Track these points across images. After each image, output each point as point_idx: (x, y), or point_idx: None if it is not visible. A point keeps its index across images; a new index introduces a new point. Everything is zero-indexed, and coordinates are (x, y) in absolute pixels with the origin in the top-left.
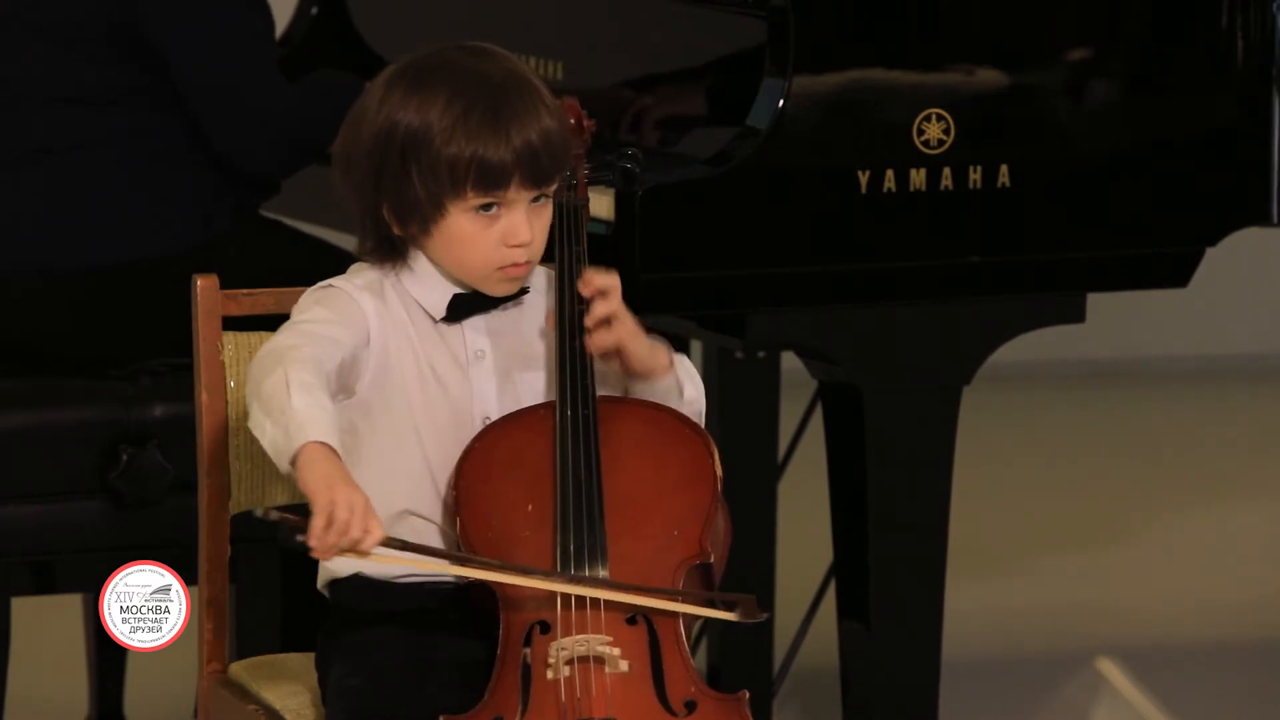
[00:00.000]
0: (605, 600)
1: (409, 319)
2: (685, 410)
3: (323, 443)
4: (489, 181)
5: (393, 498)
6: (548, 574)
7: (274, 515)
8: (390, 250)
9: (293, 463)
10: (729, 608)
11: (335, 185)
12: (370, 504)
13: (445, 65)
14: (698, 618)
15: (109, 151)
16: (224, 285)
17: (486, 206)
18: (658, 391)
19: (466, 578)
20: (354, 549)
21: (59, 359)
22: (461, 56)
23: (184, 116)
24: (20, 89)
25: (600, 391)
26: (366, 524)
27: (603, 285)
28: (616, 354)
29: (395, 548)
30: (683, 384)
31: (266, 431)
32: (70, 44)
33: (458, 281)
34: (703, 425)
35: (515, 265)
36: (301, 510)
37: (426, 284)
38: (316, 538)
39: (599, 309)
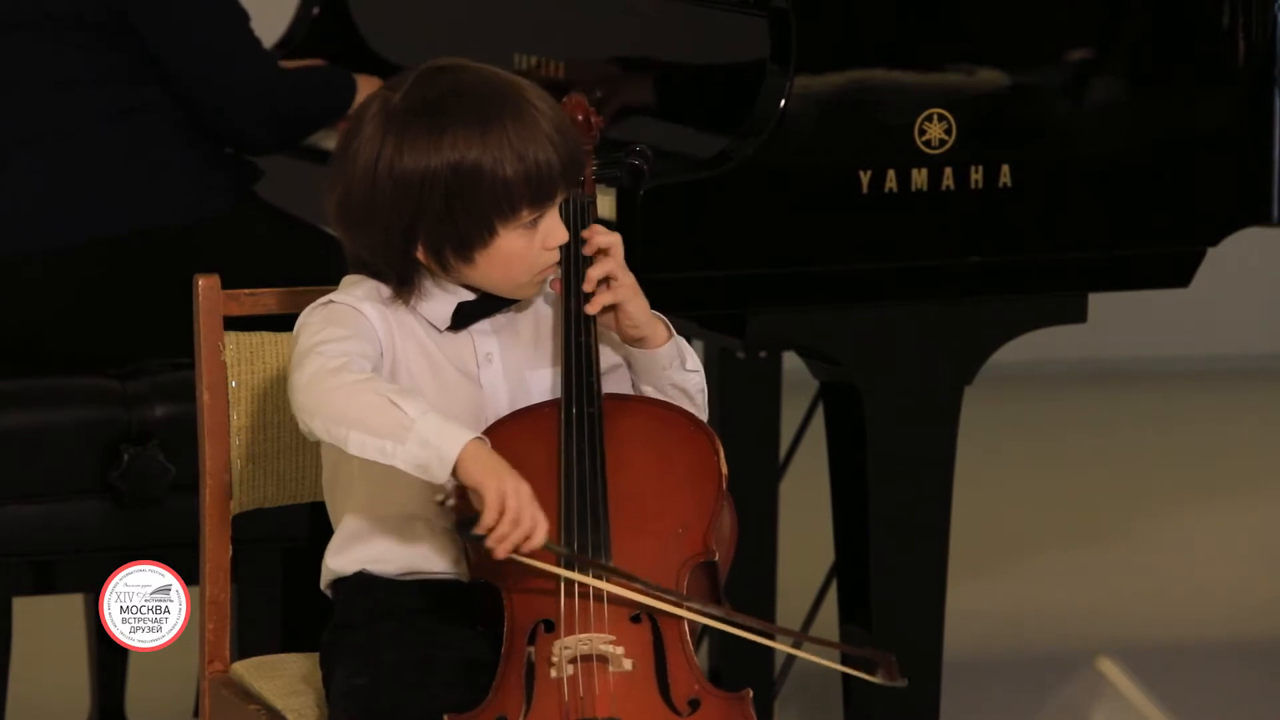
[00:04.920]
0: (609, 597)
1: (417, 325)
2: (690, 381)
3: (477, 438)
4: (543, 195)
5: (401, 500)
6: (705, 608)
7: (450, 503)
8: (408, 286)
9: (454, 468)
10: (870, 668)
11: (345, 242)
12: (534, 494)
13: (449, 95)
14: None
15: (105, 130)
16: (225, 266)
17: (535, 220)
18: (659, 361)
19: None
20: (527, 542)
21: (62, 352)
22: (452, 80)
23: (175, 91)
24: (11, 78)
25: (605, 386)
26: (535, 514)
27: (604, 244)
28: (615, 313)
29: (558, 550)
30: (684, 354)
31: (394, 453)
32: (58, 34)
33: (466, 290)
34: (706, 400)
35: (549, 266)
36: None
37: (431, 299)
38: (487, 527)
39: (598, 269)
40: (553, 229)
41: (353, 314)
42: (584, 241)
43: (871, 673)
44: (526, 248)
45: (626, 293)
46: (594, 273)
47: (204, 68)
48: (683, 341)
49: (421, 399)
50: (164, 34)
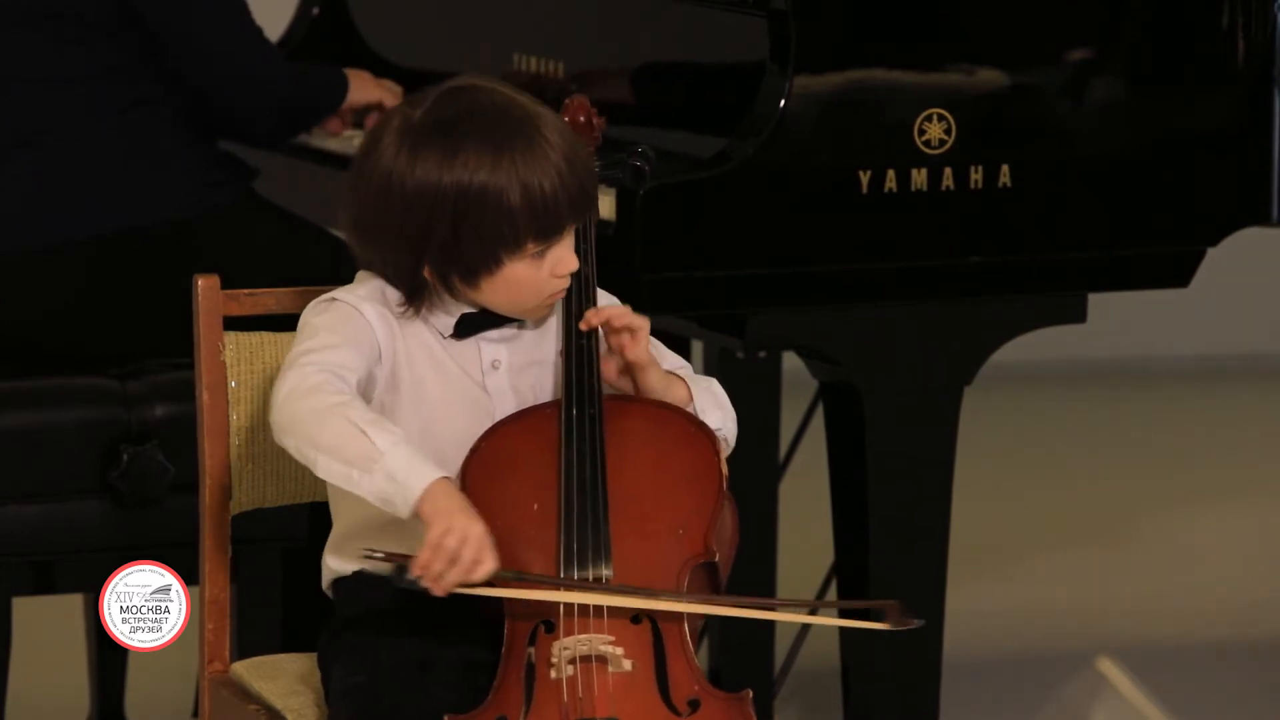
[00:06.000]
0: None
1: (424, 328)
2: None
3: (442, 479)
4: (548, 228)
5: None
6: (699, 597)
7: (379, 555)
8: (417, 299)
9: (416, 506)
10: (877, 617)
11: (354, 250)
12: (487, 536)
13: (465, 116)
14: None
15: (104, 128)
16: (225, 265)
17: (543, 251)
18: None
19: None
20: (465, 579)
21: (62, 352)
22: (470, 101)
23: (174, 87)
24: (10, 76)
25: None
26: (479, 554)
27: (635, 325)
28: (632, 379)
29: (511, 579)
30: (705, 413)
31: (360, 482)
32: (58, 31)
33: (470, 304)
34: (732, 447)
35: (558, 292)
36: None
37: (435, 310)
38: (422, 567)
39: (618, 357)
40: (562, 258)
41: (352, 315)
42: (584, 241)
43: (880, 621)
44: (534, 275)
45: (644, 363)
46: (606, 366)
47: (208, 59)
48: (709, 395)
49: (393, 430)
50: (167, 26)
